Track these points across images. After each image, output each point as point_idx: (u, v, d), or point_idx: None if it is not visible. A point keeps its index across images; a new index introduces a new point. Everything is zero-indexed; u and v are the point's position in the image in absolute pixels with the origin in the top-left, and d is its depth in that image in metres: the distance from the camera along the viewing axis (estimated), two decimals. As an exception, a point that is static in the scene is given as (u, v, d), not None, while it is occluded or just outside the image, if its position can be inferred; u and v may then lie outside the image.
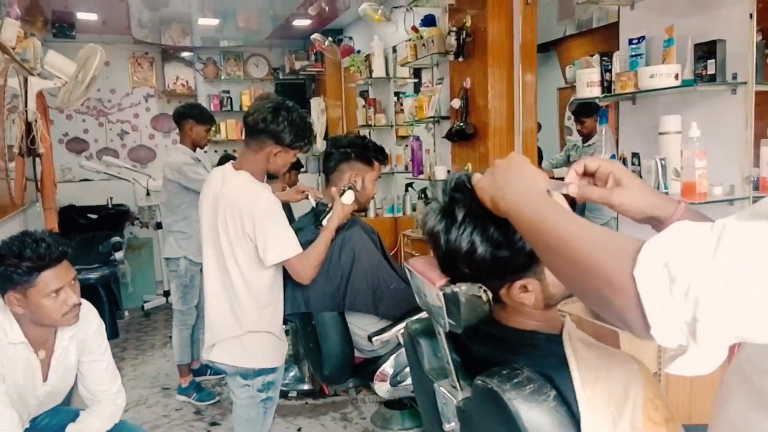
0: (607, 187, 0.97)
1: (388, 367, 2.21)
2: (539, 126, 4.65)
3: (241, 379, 2.12)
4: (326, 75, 5.74)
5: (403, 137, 4.84)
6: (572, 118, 5.04)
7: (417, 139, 3.83)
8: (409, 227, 3.97)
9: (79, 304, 1.80)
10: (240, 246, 2.02)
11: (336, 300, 2.17)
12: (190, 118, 3.61)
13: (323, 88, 5.86)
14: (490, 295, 1.00)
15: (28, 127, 3.46)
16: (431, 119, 3.66)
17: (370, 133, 5.14)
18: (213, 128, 3.80)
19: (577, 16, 5.48)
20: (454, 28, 3.09)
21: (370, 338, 2.17)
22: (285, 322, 2.27)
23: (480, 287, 0.99)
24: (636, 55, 2.25)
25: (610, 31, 5.24)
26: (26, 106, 3.49)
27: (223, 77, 6.12)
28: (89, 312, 1.94)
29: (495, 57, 3.01)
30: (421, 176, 3.81)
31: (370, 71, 4.50)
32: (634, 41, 2.26)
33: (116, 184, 5.52)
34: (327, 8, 4.79)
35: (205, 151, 5.04)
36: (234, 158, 4.84)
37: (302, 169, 4.74)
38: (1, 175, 2.86)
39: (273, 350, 2.13)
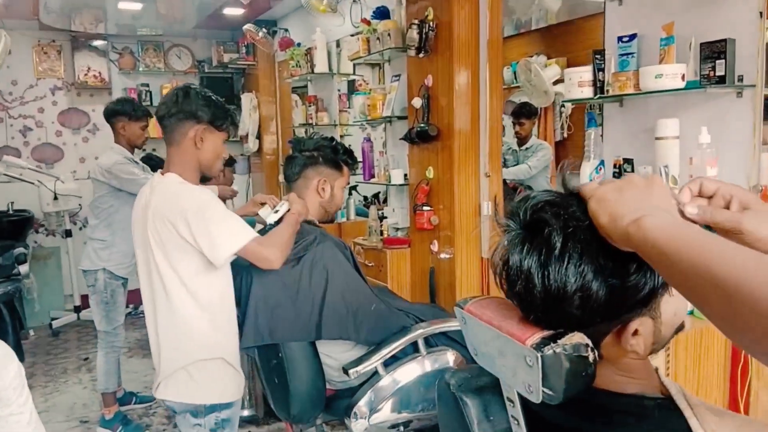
0: (731, 209, 0.76)
1: (364, 403, 1.93)
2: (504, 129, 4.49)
3: (191, 418, 1.84)
4: (258, 69, 5.35)
5: (341, 136, 4.58)
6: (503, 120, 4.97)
7: (368, 140, 3.57)
8: (359, 234, 3.69)
9: None
10: (179, 256, 1.75)
11: (308, 328, 1.87)
12: (122, 115, 3.20)
13: (255, 83, 5.46)
14: (596, 354, 0.76)
15: None
16: (386, 119, 3.40)
17: (307, 132, 4.83)
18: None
19: (516, 17, 5.40)
20: (416, 21, 2.84)
21: (345, 370, 1.89)
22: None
23: (587, 346, 0.74)
24: (626, 54, 2.10)
25: (550, 32, 5.22)
26: None
27: (141, 69, 5.58)
28: (5, 356, 1.54)
29: (460, 53, 2.80)
30: (372, 180, 3.54)
31: (312, 66, 4.19)
32: (625, 39, 2.11)
33: (18, 186, 4.89)
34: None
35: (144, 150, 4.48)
36: (157, 157, 4.45)
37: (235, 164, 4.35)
38: None
39: (228, 381, 1.86)
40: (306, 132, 5.03)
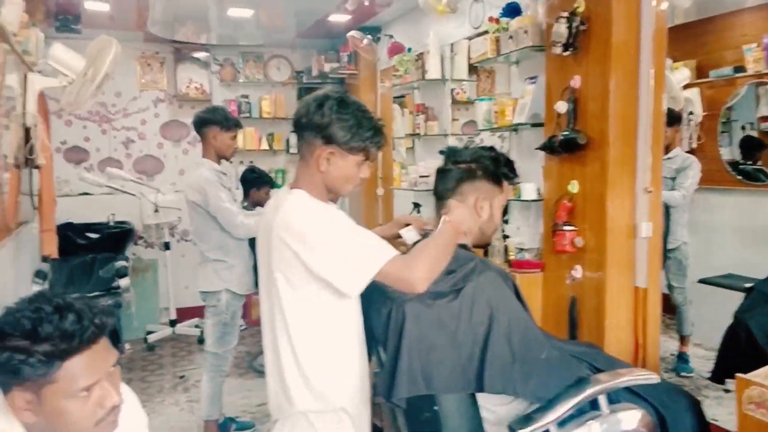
0: None
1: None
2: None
3: None
4: (360, 78, 5.12)
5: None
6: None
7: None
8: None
9: (120, 403, 1.16)
10: (301, 282, 1.51)
11: (467, 377, 1.53)
12: (213, 124, 3.04)
13: (354, 93, 5.22)
14: None
15: (26, 133, 2.84)
16: (512, 127, 3.05)
17: (414, 144, 4.54)
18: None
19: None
20: (565, 14, 2.48)
21: (513, 429, 1.53)
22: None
23: None
24: None
25: (678, 32, 4.69)
26: (25, 108, 2.87)
27: (241, 80, 5.49)
28: (128, 403, 1.29)
29: (618, 50, 2.41)
30: (496, 195, 3.18)
31: (423, 72, 3.90)
32: None
33: (119, 198, 4.87)
34: (367, 2, 4.19)
35: (230, 162, 4.39)
36: (259, 170, 4.30)
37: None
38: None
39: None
40: (409, 145, 4.74)
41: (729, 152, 4.25)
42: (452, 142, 3.98)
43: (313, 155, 1.55)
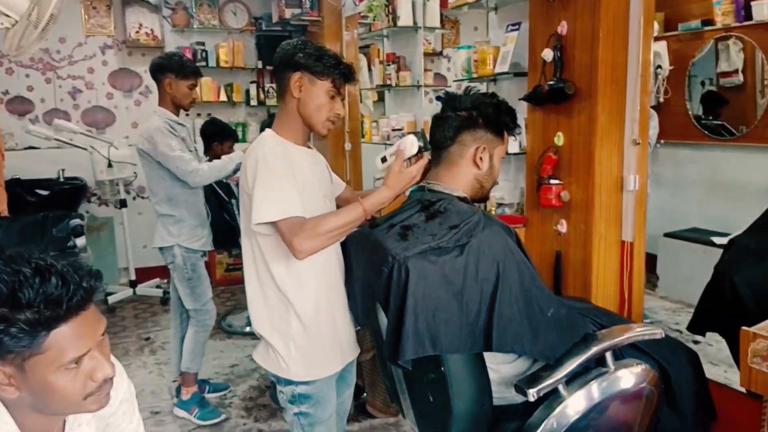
0: None
1: None
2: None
3: (278, 384, 1.77)
4: (323, 26, 4.88)
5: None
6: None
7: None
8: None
9: (113, 375, 1.04)
10: (246, 204, 1.68)
11: (475, 335, 1.46)
12: (169, 70, 2.85)
13: (318, 41, 4.97)
14: None
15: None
16: (491, 78, 2.94)
17: (384, 96, 4.39)
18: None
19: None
20: (552, -44, 2.36)
21: (522, 389, 1.48)
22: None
23: None
24: None
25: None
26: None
27: (195, 26, 5.15)
28: (117, 374, 1.17)
29: (607, -6, 2.32)
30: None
31: (394, 19, 3.72)
32: None
33: (68, 153, 4.57)
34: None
35: (187, 114, 4.18)
36: (220, 122, 4.11)
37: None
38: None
39: (300, 362, 1.69)
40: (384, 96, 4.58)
41: (694, 107, 4.29)
42: (424, 94, 3.86)
43: (287, 88, 1.67)
